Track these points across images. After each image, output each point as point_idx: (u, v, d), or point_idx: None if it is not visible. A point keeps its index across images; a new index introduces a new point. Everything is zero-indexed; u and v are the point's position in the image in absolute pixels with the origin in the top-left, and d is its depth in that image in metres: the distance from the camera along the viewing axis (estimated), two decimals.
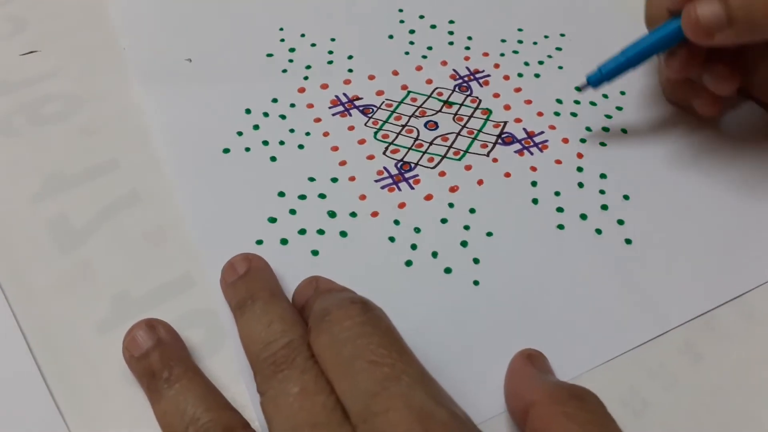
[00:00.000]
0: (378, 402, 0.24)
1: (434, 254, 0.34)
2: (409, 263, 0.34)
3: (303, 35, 0.44)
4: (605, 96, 0.41)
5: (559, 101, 0.41)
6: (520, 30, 0.45)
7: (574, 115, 0.40)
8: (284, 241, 0.34)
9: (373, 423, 0.24)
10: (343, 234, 0.35)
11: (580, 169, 0.38)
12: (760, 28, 0.32)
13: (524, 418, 0.27)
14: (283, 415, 0.26)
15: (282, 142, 0.38)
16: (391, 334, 0.27)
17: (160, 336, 0.29)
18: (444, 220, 0.35)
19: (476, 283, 0.33)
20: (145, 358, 0.29)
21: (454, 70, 0.42)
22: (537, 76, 0.42)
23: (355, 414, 0.24)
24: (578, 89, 0.38)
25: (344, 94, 0.41)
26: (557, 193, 0.37)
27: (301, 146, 0.38)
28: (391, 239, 0.35)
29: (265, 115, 0.39)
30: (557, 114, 0.40)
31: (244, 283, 0.31)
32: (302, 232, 0.35)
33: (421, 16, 0.45)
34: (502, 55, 0.43)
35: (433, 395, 0.25)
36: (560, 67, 0.42)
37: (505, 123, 0.40)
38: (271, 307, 0.29)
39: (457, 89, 0.41)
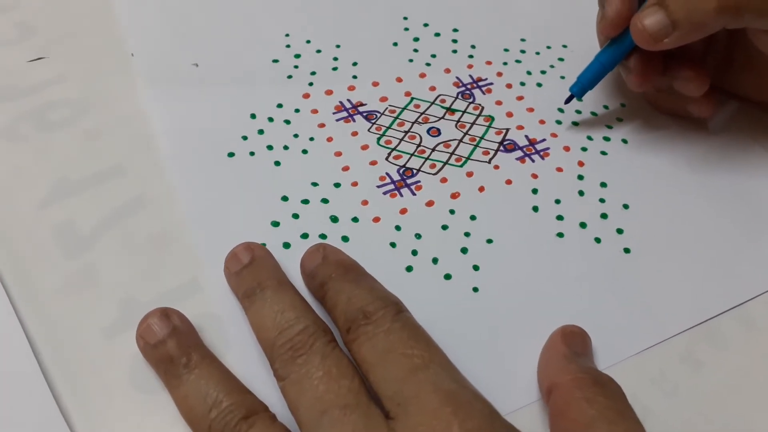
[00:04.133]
0: (409, 386, 0.26)
1: (434, 260, 0.34)
2: (409, 269, 0.34)
3: (308, 41, 0.44)
4: (606, 107, 0.41)
5: (560, 110, 0.41)
6: (523, 40, 0.45)
7: (575, 123, 0.40)
8: (287, 245, 0.34)
9: (406, 405, 0.26)
10: (345, 239, 0.35)
11: (580, 178, 0.38)
12: (702, 26, 0.34)
13: (549, 395, 0.29)
14: (309, 398, 0.27)
15: (286, 147, 0.39)
16: (419, 330, 0.29)
17: (175, 324, 0.30)
18: (445, 227, 0.36)
19: (476, 289, 0.34)
20: (162, 345, 0.29)
21: (458, 78, 0.43)
22: (539, 85, 0.42)
23: (389, 398, 0.27)
24: (566, 102, 0.40)
25: (348, 100, 0.41)
26: (557, 201, 0.37)
27: (304, 151, 0.38)
28: (392, 245, 0.35)
29: (270, 120, 0.40)
30: (559, 122, 0.40)
31: (250, 272, 0.31)
32: (305, 236, 0.35)
33: (426, 24, 0.46)
34: (505, 64, 0.43)
35: (456, 380, 0.27)
36: (562, 77, 0.43)
37: (507, 130, 0.40)
38: (280, 295, 0.30)
39: (459, 96, 0.42)
